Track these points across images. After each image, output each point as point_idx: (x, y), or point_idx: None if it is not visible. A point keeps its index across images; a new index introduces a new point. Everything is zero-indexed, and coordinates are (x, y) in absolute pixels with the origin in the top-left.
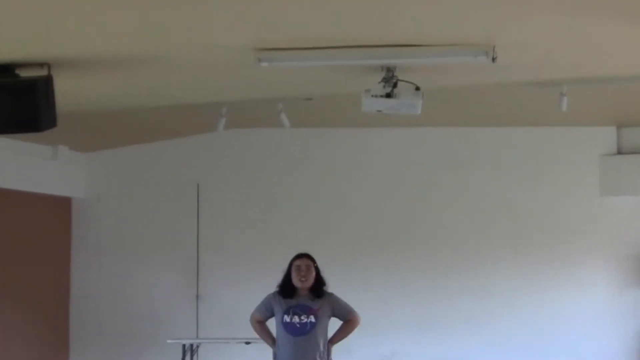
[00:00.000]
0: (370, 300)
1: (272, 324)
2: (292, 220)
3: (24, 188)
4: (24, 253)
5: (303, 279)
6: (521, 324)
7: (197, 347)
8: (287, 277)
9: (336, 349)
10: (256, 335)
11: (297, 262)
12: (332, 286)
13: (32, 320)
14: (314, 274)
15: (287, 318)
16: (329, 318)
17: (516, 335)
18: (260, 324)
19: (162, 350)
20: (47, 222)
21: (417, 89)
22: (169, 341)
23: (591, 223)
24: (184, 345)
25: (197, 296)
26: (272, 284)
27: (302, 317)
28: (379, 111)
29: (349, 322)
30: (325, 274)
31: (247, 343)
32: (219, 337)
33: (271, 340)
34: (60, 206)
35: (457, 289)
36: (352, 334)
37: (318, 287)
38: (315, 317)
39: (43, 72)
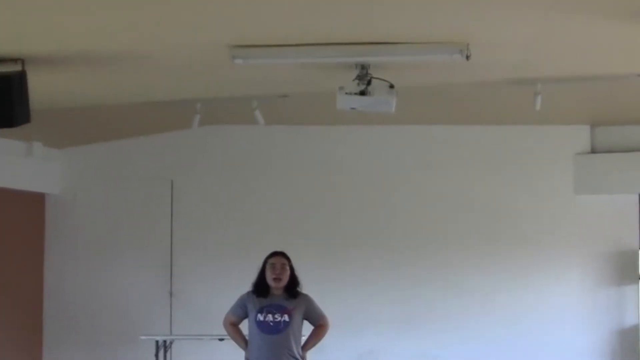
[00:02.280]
0: (347, 298)
1: (244, 325)
2: (267, 218)
3: None
4: None
5: (277, 278)
6: (498, 321)
7: (171, 343)
8: (262, 276)
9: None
10: None
11: (272, 260)
12: (309, 284)
13: (6, 316)
14: (288, 272)
15: (260, 317)
16: (303, 318)
17: (493, 333)
18: (233, 327)
19: (136, 347)
20: (21, 218)
21: (392, 86)
22: (142, 337)
23: (566, 221)
24: (157, 342)
25: (171, 293)
26: (246, 281)
27: (276, 316)
28: (353, 109)
29: (320, 327)
30: (301, 272)
31: (221, 339)
32: (193, 334)
33: (244, 343)
34: (35, 202)
35: (434, 287)
36: (330, 336)
37: (292, 287)
38: (290, 317)
39: (17, 68)
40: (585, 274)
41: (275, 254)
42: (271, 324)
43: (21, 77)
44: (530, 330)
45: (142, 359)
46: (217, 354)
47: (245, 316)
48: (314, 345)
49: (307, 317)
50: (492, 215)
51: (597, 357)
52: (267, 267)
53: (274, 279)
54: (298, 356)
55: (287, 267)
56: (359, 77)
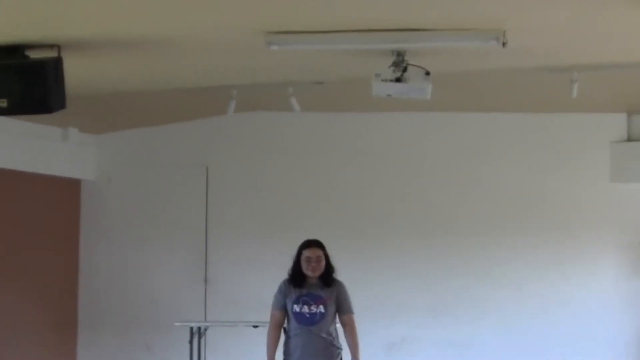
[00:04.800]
0: (379, 285)
1: None
2: (301, 204)
3: (34, 170)
4: (33, 235)
5: (313, 270)
6: (531, 309)
7: (205, 330)
8: (297, 265)
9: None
10: (264, 319)
11: (307, 254)
12: (342, 270)
13: (41, 302)
14: (323, 263)
15: (297, 308)
16: (336, 306)
17: (526, 321)
18: (275, 333)
19: (170, 333)
20: (56, 204)
21: (427, 73)
22: (176, 324)
23: (601, 209)
24: (191, 328)
25: (206, 279)
26: (281, 267)
27: (312, 307)
28: (388, 95)
29: (350, 329)
30: (336, 259)
31: (255, 326)
32: (227, 320)
33: (273, 354)
34: (70, 188)
35: (467, 274)
36: (362, 324)
37: (328, 275)
38: (325, 307)
39: (53, 54)
40: (620, 262)
41: (309, 245)
42: (307, 315)
43: (57, 63)
44: (563, 319)
45: (176, 345)
46: (252, 341)
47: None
48: (358, 350)
49: (337, 304)
50: (526, 203)
51: (631, 347)
52: (303, 259)
53: (310, 271)
54: (334, 342)
55: (322, 258)
56: (395, 64)
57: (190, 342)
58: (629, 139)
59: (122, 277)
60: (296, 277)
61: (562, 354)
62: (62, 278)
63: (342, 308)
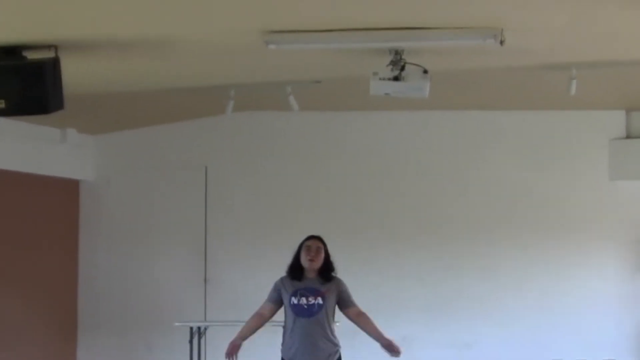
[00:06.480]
0: (380, 285)
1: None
2: (301, 204)
3: (33, 170)
4: (32, 236)
5: (312, 260)
6: (531, 307)
7: (205, 329)
8: (296, 258)
9: (346, 332)
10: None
11: (308, 243)
12: (343, 270)
13: (40, 304)
14: (323, 255)
15: (294, 299)
16: (336, 302)
17: (526, 319)
18: (255, 318)
19: (170, 333)
20: (55, 205)
21: (425, 72)
22: (176, 324)
23: (601, 207)
24: (191, 328)
25: (205, 279)
26: (280, 267)
27: (310, 299)
28: (386, 94)
29: (364, 317)
30: (335, 258)
31: None
32: (227, 320)
33: (241, 335)
34: (69, 189)
35: (467, 273)
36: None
37: (327, 271)
38: (323, 299)
39: (50, 55)
40: (619, 260)
41: (311, 237)
42: (305, 306)
43: (54, 63)
44: (563, 317)
45: (176, 345)
46: (252, 340)
47: (281, 300)
48: (376, 329)
49: (339, 300)
50: (525, 200)
51: (632, 344)
52: (303, 249)
53: (309, 260)
54: (332, 338)
55: (322, 251)
56: (393, 63)
57: (191, 341)
58: (628, 136)
59: (121, 277)
60: (295, 270)
61: (562, 352)
62: (61, 279)
63: (348, 302)
